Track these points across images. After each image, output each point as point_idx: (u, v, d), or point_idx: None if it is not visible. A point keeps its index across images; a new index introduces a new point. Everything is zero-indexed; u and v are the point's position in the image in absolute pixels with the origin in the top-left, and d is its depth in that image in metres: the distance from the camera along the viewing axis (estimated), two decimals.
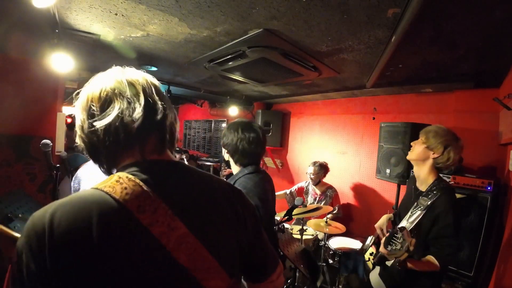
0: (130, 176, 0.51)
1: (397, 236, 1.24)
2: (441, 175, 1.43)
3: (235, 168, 1.45)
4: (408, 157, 1.48)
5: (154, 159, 0.57)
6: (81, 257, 0.43)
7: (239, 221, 0.62)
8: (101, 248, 0.43)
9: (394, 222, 1.62)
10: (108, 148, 0.54)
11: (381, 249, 1.31)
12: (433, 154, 1.36)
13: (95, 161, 0.59)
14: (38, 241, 0.42)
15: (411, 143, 1.48)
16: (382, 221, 1.64)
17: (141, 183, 0.50)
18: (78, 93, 0.58)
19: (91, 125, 0.53)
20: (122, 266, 0.45)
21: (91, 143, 0.55)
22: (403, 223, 1.37)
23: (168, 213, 0.50)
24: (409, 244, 1.15)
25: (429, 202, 1.31)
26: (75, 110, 0.58)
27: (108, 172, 0.58)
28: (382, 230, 1.58)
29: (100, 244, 0.43)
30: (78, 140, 0.58)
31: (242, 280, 0.74)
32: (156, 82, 0.62)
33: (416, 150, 1.43)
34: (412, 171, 1.54)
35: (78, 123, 0.57)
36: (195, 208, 0.56)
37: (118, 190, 0.48)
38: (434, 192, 1.33)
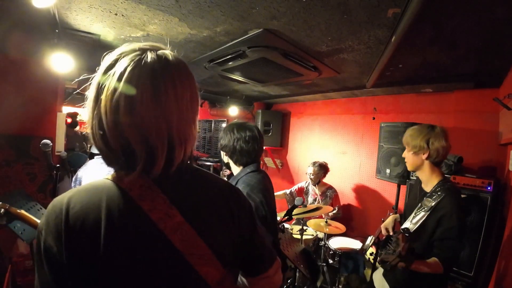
0: None
1: (392, 239, 1.22)
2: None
3: (235, 169, 1.45)
4: (409, 169, 1.51)
5: None
6: (90, 234, 0.50)
7: (233, 218, 0.66)
8: (107, 228, 0.51)
9: (400, 223, 1.62)
10: None
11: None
12: (423, 155, 1.37)
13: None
14: (56, 219, 0.51)
15: (403, 155, 1.50)
16: (389, 221, 1.64)
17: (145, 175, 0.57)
18: None
19: None
20: (124, 244, 0.52)
21: None
22: (407, 224, 1.37)
23: (166, 202, 0.56)
24: (401, 250, 1.13)
25: (433, 203, 1.30)
26: None
27: None
28: (387, 230, 1.58)
29: (107, 225, 0.51)
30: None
31: (241, 277, 0.75)
32: None
33: (409, 159, 1.46)
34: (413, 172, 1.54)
35: None
36: (191, 202, 0.61)
37: (125, 181, 0.55)
38: (439, 193, 1.31)
